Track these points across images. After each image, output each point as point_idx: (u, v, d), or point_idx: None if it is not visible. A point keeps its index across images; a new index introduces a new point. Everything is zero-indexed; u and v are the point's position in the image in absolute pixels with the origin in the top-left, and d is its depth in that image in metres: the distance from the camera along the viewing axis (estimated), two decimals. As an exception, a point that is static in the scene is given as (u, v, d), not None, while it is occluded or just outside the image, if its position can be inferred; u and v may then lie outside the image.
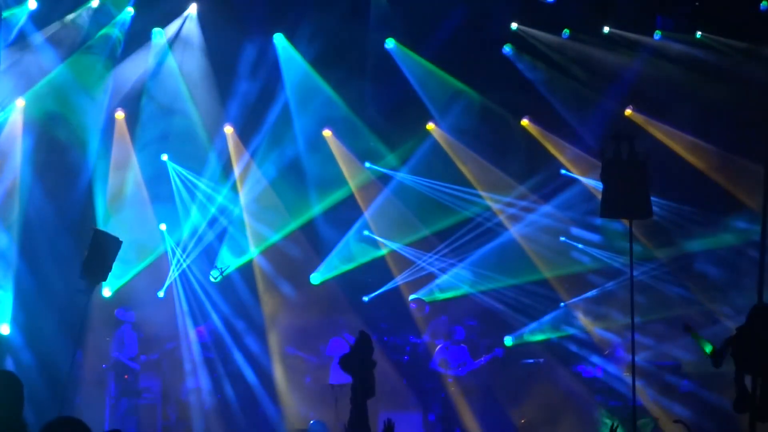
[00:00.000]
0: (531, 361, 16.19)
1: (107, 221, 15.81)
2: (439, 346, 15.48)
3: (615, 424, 7.61)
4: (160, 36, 15.44)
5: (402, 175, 17.35)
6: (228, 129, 16.73)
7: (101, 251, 10.52)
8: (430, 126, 17.28)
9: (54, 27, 14.66)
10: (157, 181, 16.44)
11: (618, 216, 9.80)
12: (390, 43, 16.22)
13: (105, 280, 10.89)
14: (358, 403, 9.66)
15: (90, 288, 10.75)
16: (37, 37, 14.60)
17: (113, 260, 10.65)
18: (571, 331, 16.82)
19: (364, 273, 17.25)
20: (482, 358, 15.35)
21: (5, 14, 13.91)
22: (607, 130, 14.95)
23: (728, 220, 16.33)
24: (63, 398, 11.39)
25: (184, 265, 16.67)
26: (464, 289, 17.20)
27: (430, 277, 17.34)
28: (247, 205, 16.90)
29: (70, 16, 14.71)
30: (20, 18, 14.23)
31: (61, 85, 14.97)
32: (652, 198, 9.83)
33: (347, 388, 14.53)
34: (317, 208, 16.91)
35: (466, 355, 15.29)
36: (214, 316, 16.20)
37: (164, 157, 16.65)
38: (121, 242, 10.83)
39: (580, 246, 17.37)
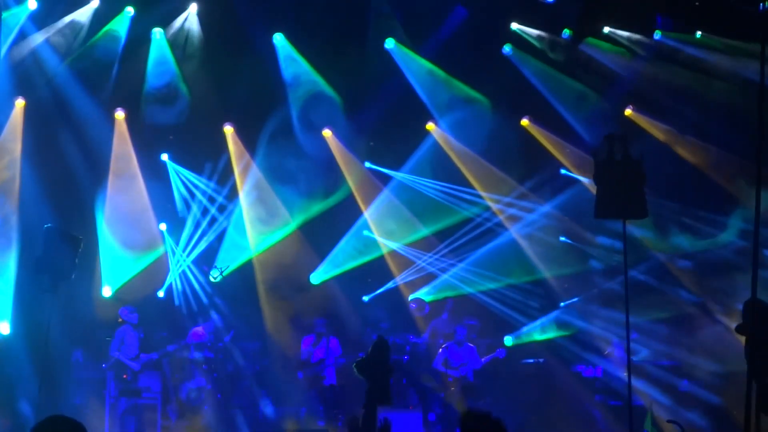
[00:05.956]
0: (531, 361, 16.18)
1: (107, 221, 15.83)
2: (442, 346, 15.47)
3: None
4: (160, 36, 15.45)
5: (402, 175, 17.35)
6: (228, 129, 16.75)
7: (59, 249, 10.58)
8: (430, 126, 17.28)
9: (54, 27, 14.67)
10: (157, 181, 16.45)
11: (613, 216, 9.74)
12: (390, 43, 16.21)
13: (69, 278, 10.97)
14: (370, 408, 9.58)
15: (53, 286, 10.79)
16: (37, 37, 14.62)
17: (75, 257, 10.78)
18: (571, 331, 16.81)
19: (363, 273, 17.25)
20: (484, 359, 15.34)
21: (5, 14, 13.91)
22: (607, 130, 14.92)
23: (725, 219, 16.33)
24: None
25: (184, 265, 16.68)
26: (464, 289, 17.19)
27: (430, 277, 17.34)
28: (247, 205, 16.91)
29: (70, 16, 14.73)
30: (20, 18, 14.25)
31: (61, 85, 14.99)
32: (651, 198, 9.81)
33: (346, 389, 14.66)
34: (317, 208, 16.91)
35: (473, 356, 15.26)
36: (214, 316, 16.18)
37: (164, 157, 16.67)
38: (81, 239, 10.91)
39: (580, 246, 17.37)
